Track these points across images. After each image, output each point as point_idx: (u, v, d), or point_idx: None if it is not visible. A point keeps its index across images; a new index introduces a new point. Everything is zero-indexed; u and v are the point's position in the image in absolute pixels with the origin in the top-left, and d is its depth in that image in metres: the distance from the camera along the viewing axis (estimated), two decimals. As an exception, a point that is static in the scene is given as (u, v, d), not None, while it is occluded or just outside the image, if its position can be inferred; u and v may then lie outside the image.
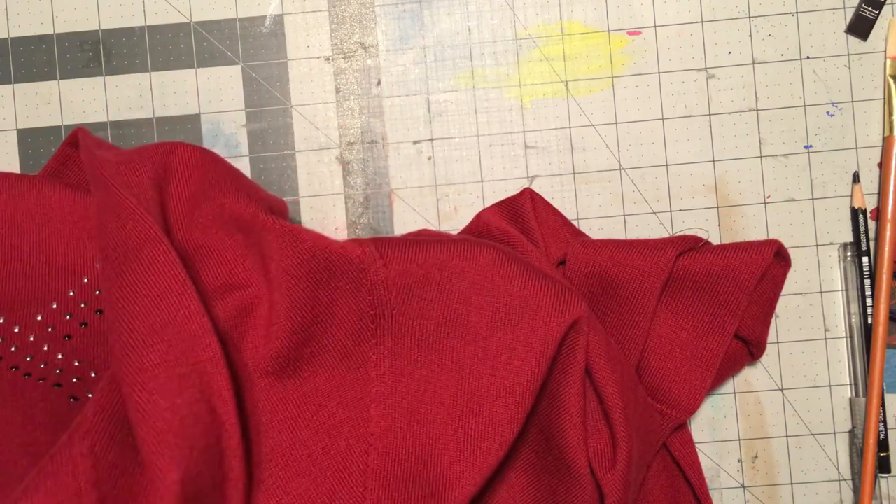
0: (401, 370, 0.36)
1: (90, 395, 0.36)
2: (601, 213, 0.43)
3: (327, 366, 0.36)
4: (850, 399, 0.42)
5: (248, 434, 0.35)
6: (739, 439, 0.42)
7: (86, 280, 0.37)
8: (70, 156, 0.40)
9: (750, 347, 0.41)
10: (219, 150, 0.43)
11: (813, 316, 0.42)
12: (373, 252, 0.35)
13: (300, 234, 0.35)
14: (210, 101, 0.43)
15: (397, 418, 0.36)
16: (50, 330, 0.36)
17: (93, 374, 0.36)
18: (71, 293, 0.37)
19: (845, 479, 0.42)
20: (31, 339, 0.36)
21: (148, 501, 0.30)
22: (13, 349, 0.36)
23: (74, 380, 0.36)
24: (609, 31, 0.43)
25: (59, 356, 0.36)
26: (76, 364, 0.36)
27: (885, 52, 0.42)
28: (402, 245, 0.36)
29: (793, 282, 0.42)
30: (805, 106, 0.43)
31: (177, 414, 0.30)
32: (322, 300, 0.35)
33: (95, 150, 0.37)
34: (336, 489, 0.35)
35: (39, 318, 0.37)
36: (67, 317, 0.37)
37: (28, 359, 0.36)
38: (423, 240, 0.37)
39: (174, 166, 0.37)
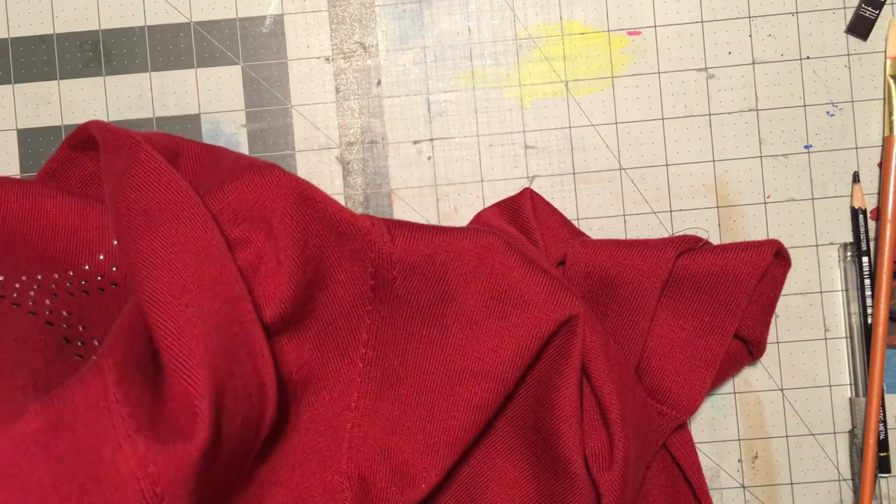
0: (392, 338, 0.37)
1: (81, 343, 0.35)
2: (601, 213, 0.43)
3: (323, 320, 0.36)
4: (850, 399, 0.42)
5: None
6: (739, 439, 0.42)
7: (71, 273, 0.37)
8: (70, 158, 0.39)
9: (750, 347, 0.41)
10: (219, 151, 0.43)
11: (813, 316, 0.42)
12: (381, 227, 0.36)
13: (313, 193, 0.35)
14: (210, 101, 0.43)
15: (382, 381, 0.36)
16: (38, 286, 0.36)
17: (81, 328, 0.36)
18: (56, 276, 0.37)
19: (845, 479, 0.42)
20: (26, 286, 0.36)
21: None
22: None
23: (65, 326, 0.36)
24: (609, 31, 0.43)
25: (48, 301, 0.36)
26: (65, 314, 0.36)
27: (885, 52, 0.42)
28: (412, 226, 0.37)
29: (793, 282, 0.42)
30: (805, 106, 0.43)
31: (236, 381, 0.30)
32: (327, 261, 0.35)
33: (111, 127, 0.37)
34: (317, 444, 0.36)
35: (24, 279, 0.37)
36: (52, 285, 0.37)
37: (14, 294, 0.35)
38: (432, 225, 0.37)
39: (182, 150, 0.38)
